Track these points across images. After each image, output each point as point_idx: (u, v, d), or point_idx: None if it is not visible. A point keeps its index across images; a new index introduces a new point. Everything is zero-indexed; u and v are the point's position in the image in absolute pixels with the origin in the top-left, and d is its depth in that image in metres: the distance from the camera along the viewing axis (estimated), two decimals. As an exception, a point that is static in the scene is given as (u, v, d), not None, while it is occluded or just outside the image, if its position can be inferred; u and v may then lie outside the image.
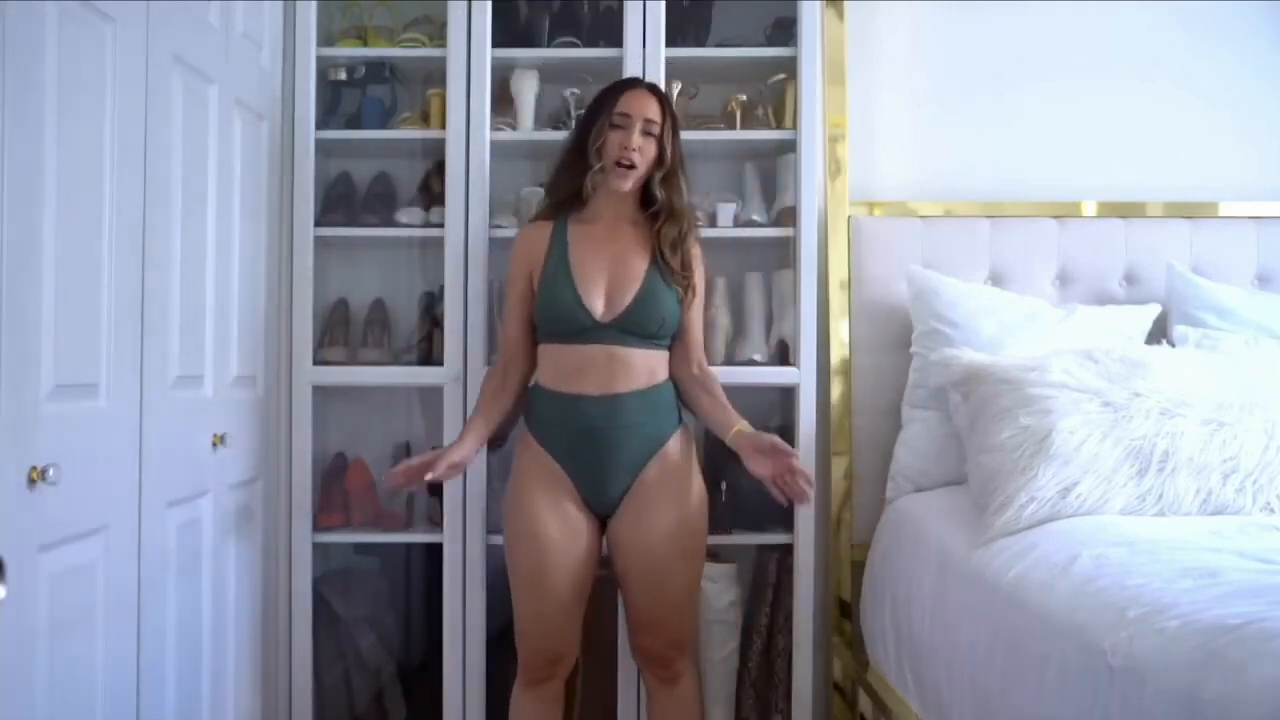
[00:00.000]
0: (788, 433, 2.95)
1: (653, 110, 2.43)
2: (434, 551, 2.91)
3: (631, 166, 2.40)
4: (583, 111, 2.57)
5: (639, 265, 2.41)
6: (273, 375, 2.83)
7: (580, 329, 2.37)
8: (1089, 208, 3.10)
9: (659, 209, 2.44)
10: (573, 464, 2.39)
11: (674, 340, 2.48)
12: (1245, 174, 3.18)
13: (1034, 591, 1.93)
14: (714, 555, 2.84)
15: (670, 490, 2.39)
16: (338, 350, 2.96)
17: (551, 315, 2.40)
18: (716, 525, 2.67)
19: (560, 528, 2.37)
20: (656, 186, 2.44)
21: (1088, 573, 1.86)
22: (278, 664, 2.85)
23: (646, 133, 2.41)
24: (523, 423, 2.49)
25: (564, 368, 2.39)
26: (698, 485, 2.45)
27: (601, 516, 2.43)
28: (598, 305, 2.38)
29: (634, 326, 2.38)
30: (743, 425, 2.39)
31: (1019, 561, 2.05)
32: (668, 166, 2.44)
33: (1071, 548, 1.99)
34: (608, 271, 2.40)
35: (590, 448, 2.38)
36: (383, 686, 3.03)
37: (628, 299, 2.38)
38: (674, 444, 2.42)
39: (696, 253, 2.50)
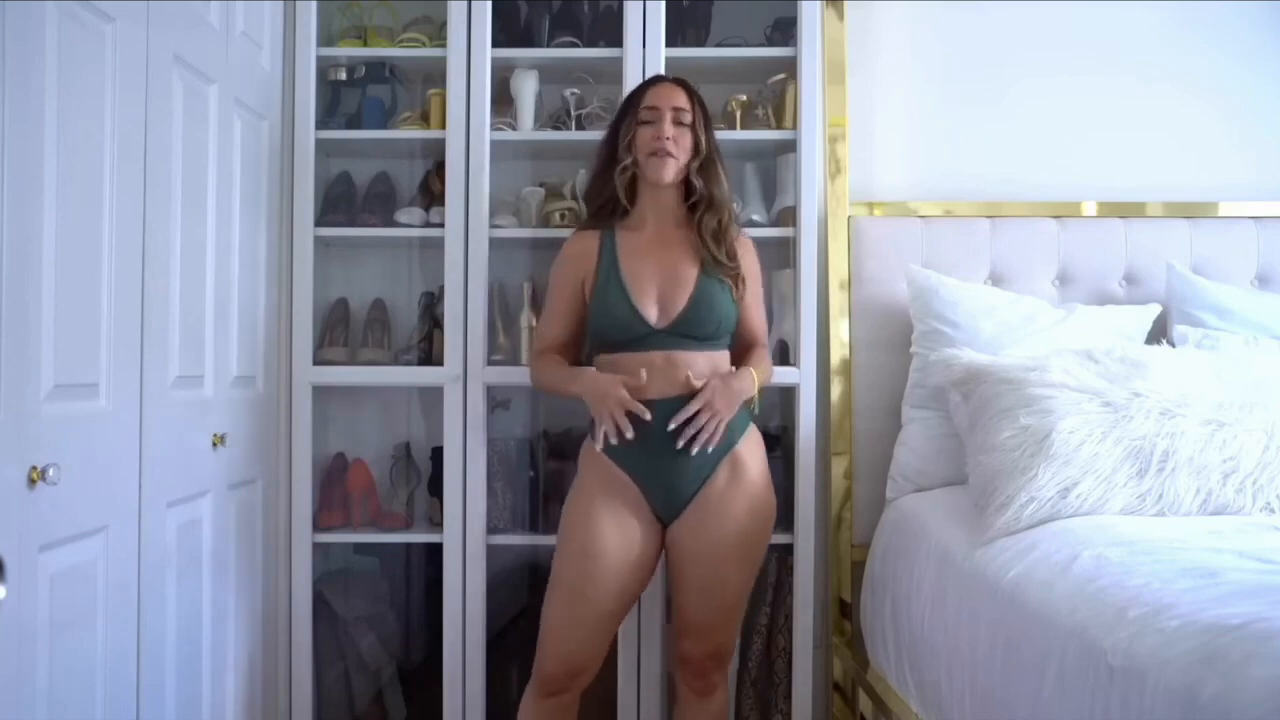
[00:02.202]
0: (788, 433, 2.95)
1: (680, 99, 2.42)
2: (434, 551, 2.91)
3: (667, 153, 2.38)
4: (598, 113, 2.59)
5: (690, 268, 2.40)
6: (273, 375, 2.83)
7: (637, 337, 2.37)
8: (1089, 208, 3.11)
9: (698, 200, 2.43)
10: (640, 470, 2.36)
11: (734, 334, 2.48)
12: (1245, 174, 3.18)
13: (1034, 591, 1.93)
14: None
15: (739, 495, 2.36)
16: (338, 350, 2.96)
17: (608, 325, 2.39)
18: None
19: (618, 539, 2.33)
20: (695, 177, 2.42)
21: (1088, 573, 1.86)
22: (278, 664, 2.85)
23: (678, 122, 2.40)
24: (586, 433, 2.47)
25: (625, 374, 2.36)
26: (766, 490, 2.41)
27: (666, 522, 2.40)
28: (652, 312, 2.37)
29: (691, 329, 2.37)
30: (754, 371, 2.41)
31: (1019, 561, 2.05)
32: (704, 155, 2.43)
33: (1072, 548, 1.99)
34: (659, 277, 2.39)
35: (657, 452, 2.35)
36: (383, 686, 3.03)
37: (682, 302, 2.37)
38: (745, 447, 2.39)
39: (744, 241, 2.50)
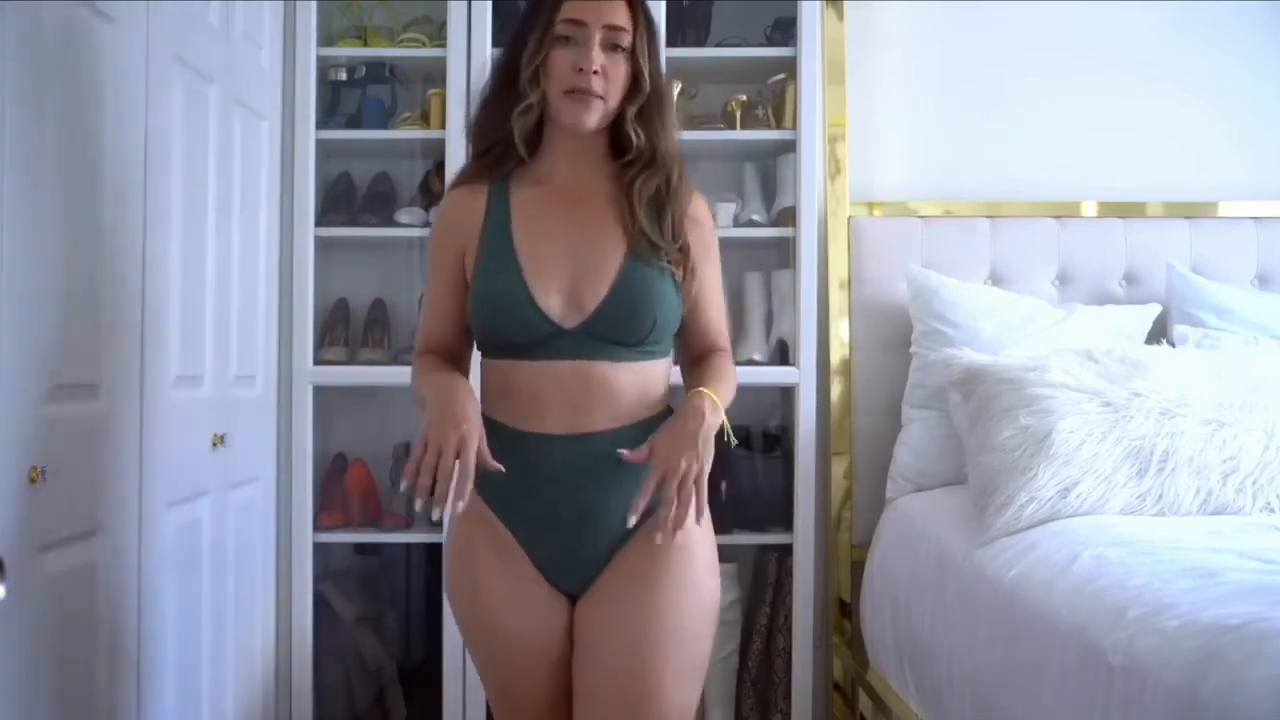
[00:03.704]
0: (788, 433, 2.95)
1: (619, 14, 1.69)
2: (434, 551, 2.91)
3: (592, 94, 1.66)
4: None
5: (614, 242, 1.71)
6: (273, 375, 2.83)
7: (535, 339, 1.68)
8: (1089, 208, 3.10)
9: (634, 157, 1.73)
10: (527, 531, 1.70)
11: (681, 337, 1.80)
12: (1245, 174, 3.17)
13: (1034, 591, 1.93)
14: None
15: (669, 572, 1.66)
16: (338, 350, 2.96)
17: (492, 319, 1.70)
18: (716, 526, 2.66)
19: (526, 616, 1.70)
20: (631, 125, 1.71)
21: (1088, 572, 1.86)
22: (278, 664, 2.85)
23: (612, 46, 1.69)
24: None
25: (516, 394, 1.70)
26: (709, 569, 1.72)
27: (570, 593, 1.74)
28: (555, 304, 1.68)
29: (614, 332, 1.68)
30: (708, 393, 1.65)
31: (1019, 561, 2.05)
32: (645, 94, 1.71)
33: (1071, 548, 1.99)
34: (569, 253, 1.70)
35: (552, 510, 1.68)
36: (383, 686, 3.03)
37: (601, 292, 1.68)
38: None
39: (695, 212, 1.77)
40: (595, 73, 1.65)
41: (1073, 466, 2.23)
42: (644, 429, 1.67)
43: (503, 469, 1.60)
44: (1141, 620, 1.60)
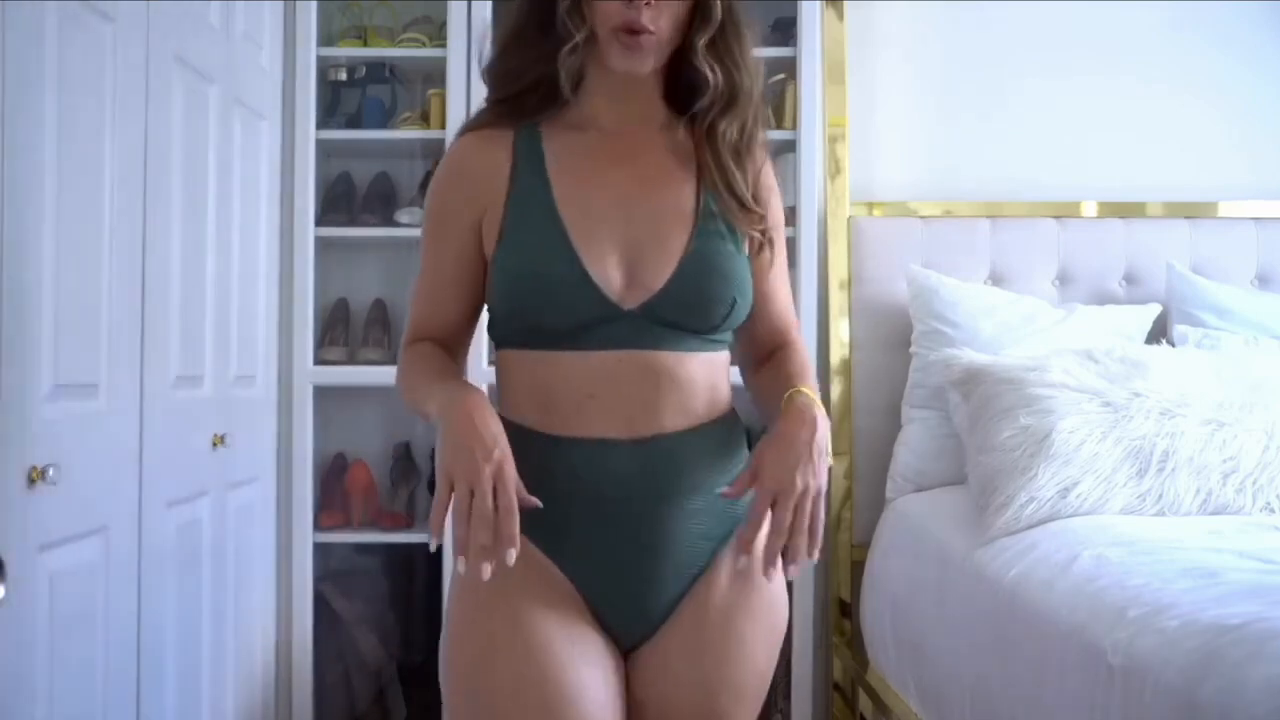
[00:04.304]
0: (788, 433, 2.95)
1: None
2: (434, 551, 2.91)
3: (644, 34, 1.33)
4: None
5: (679, 204, 1.40)
6: (273, 375, 2.83)
7: (586, 324, 1.34)
8: (1089, 208, 3.10)
9: (709, 98, 1.39)
10: (586, 567, 1.36)
11: (745, 325, 1.46)
12: (1245, 174, 3.17)
13: (1034, 591, 1.93)
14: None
15: (757, 620, 1.39)
16: (338, 350, 2.97)
17: (531, 302, 1.35)
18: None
19: (591, 675, 1.32)
20: (702, 58, 1.38)
21: (1088, 572, 1.86)
22: (278, 664, 2.85)
23: None
24: None
25: (555, 393, 1.36)
26: (783, 595, 1.44)
27: (624, 645, 1.39)
28: (615, 279, 1.35)
29: (684, 315, 1.37)
30: (810, 394, 1.36)
31: (1019, 561, 2.05)
32: (715, 24, 1.37)
33: (1071, 548, 1.99)
34: (625, 216, 1.38)
35: (609, 535, 1.35)
36: (383, 686, 3.03)
37: (667, 266, 1.36)
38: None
39: (767, 175, 1.48)
40: (647, 3, 1.32)
41: (1073, 466, 2.23)
42: (722, 430, 1.41)
43: (539, 503, 1.28)
44: (1141, 620, 1.60)
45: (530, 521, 1.27)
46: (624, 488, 1.35)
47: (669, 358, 1.37)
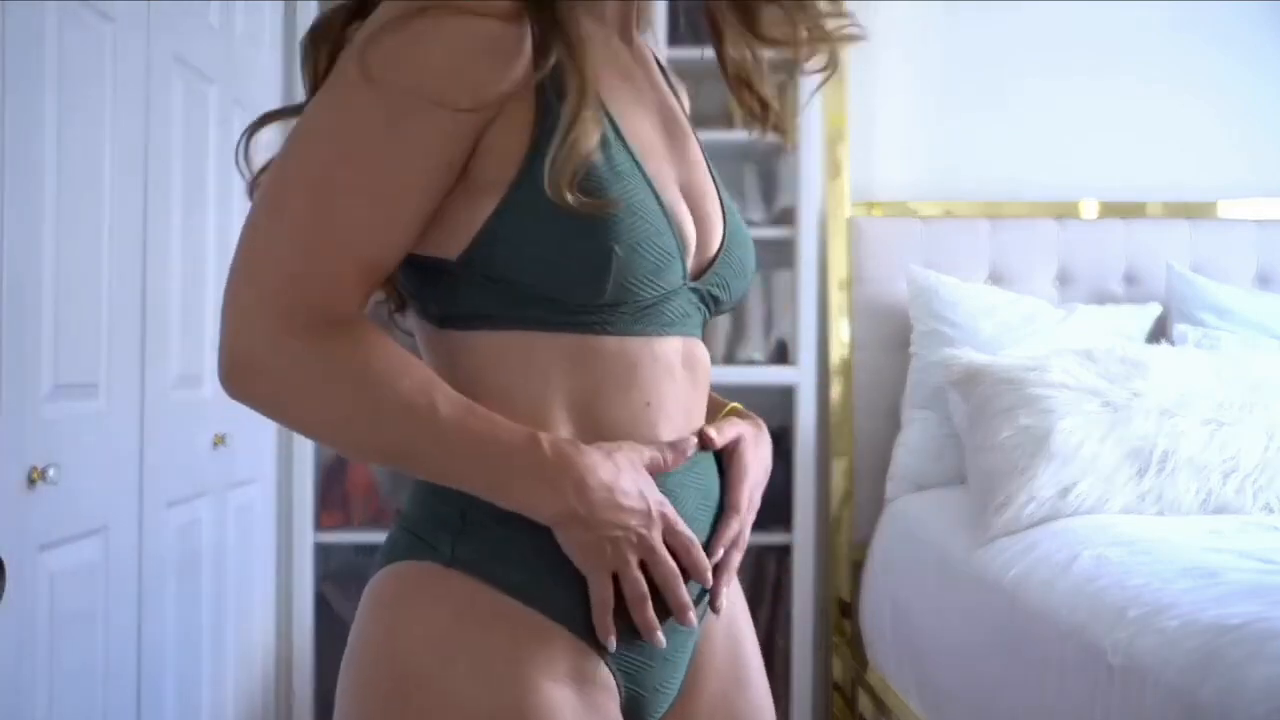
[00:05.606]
0: (788, 433, 2.95)
1: None
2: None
3: None
4: None
5: (694, 142, 1.08)
6: (273, 375, 2.83)
7: (657, 297, 0.97)
8: (1089, 208, 3.10)
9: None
10: (636, 653, 0.99)
11: None
12: (1245, 174, 3.17)
13: (1034, 591, 1.93)
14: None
15: (753, 666, 1.12)
16: (338, 350, 2.96)
17: (633, 265, 0.93)
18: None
19: None
20: None
21: (1088, 572, 1.86)
22: (278, 664, 2.85)
23: None
24: (413, 537, 1.04)
25: (614, 399, 0.97)
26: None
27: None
28: (691, 238, 0.99)
29: (730, 289, 1.05)
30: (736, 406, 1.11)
31: (1019, 561, 2.05)
32: None
33: (1071, 547, 1.99)
34: (676, 152, 1.03)
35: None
36: (383, 686, 3.03)
37: (718, 225, 1.04)
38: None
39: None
40: None
41: (1072, 466, 2.23)
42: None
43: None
44: (1141, 620, 1.60)
45: (531, 587, 0.96)
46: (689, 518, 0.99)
47: (702, 349, 1.04)
